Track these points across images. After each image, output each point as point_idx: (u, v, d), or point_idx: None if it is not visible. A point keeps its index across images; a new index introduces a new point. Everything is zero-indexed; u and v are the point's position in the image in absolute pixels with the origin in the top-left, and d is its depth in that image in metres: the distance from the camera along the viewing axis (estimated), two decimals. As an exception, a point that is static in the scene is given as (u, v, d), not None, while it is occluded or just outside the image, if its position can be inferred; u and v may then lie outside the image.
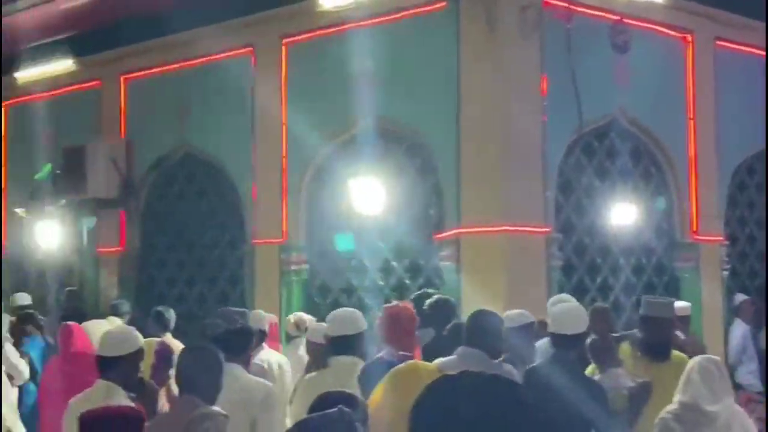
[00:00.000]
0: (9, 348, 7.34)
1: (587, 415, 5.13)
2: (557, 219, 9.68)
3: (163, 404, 5.72)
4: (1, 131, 14.26)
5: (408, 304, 6.08)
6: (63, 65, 13.16)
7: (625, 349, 6.37)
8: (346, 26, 10.16)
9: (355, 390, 4.59)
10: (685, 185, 10.83)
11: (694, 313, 9.46)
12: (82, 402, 5.27)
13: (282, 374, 7.00)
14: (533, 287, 9.00)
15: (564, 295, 7.84)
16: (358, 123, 9.97)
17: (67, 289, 12.76)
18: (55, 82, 13.26)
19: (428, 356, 5.47)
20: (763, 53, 11.11)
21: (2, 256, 12.51)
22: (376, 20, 9.95)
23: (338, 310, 6.23)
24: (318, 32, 10.53)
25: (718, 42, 11.24)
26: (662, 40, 10.73)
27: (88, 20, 12.32)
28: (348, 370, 5.42)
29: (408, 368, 4.85)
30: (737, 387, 8.78)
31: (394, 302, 6.42)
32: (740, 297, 11.04)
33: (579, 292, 9.39)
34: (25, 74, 13.57)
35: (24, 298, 10.67)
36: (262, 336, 7.21)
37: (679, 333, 7.36)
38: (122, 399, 4.99)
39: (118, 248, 12.53)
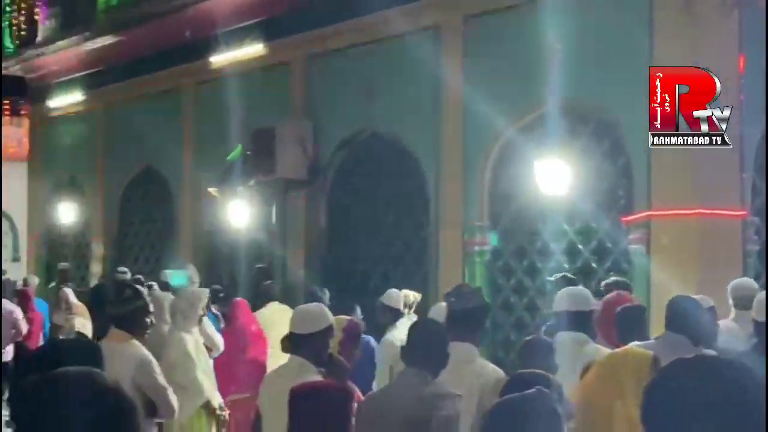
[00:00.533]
0: (206, 321, 7.59)
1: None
2: (754, 202, 9.28)
3: None
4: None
5: (627, 295, 5.92)
6: (254, 49, 13.54)
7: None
8: (531, 4, 10.01)
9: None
10: None
11: None
12: (276, 377, 5.41)
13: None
14: (727, 273, 8.61)
15: (745, 280, 7.53)
16: (544, 103, 9.82)
17: (257, 266, 13.17)
18: (246, 65, 13.65)
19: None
20: None
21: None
22: (564, -2, 9.76)
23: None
24: (502, 11, 10.42)
25: None
26: None
27: (278, 5, 12.65)
28: None
29: (622, 353, 4.76)
30: None
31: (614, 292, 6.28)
32: None
33: (776, 279, 8.98)
34: (218, 58, 14.04)
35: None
36: (397, 314, 7.66)
37: None
38: (313, 375, 5.05)
39: (307, 227, 12.82)
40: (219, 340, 7.74)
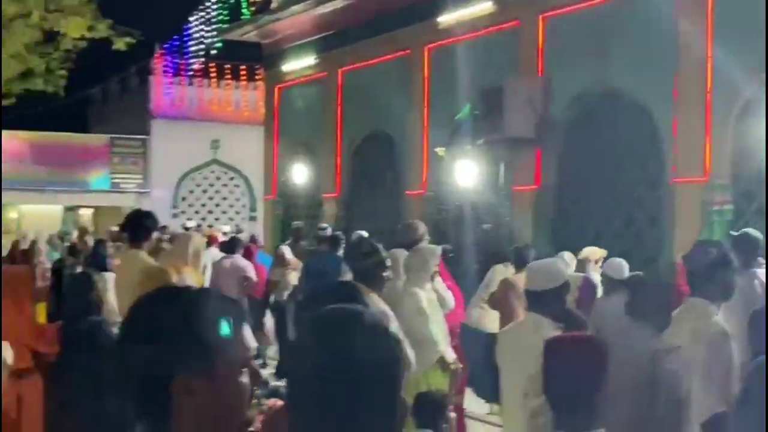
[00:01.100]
0: (438, 278, 7.61)
1: None
2: None
3: None
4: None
5: None
6: (482, 7, 13.45)
7: None
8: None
9: None
10: None
11: None
12: (510, 333, 5.41)
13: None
14: None
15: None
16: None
17: (483, 226, 13.14)
18: (474, 24, 13.58)
19: None
20: None
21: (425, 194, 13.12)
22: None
23: None
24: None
25: None
26: None
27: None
28: None
29: None
30: None
31: None
32: None
33: None
34: (446, 18, 14.04)
35: None
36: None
37: None
38: (550, 330, 4.99)
39: (534, 186, 12.67)
40: (450, 297, 7.75)
